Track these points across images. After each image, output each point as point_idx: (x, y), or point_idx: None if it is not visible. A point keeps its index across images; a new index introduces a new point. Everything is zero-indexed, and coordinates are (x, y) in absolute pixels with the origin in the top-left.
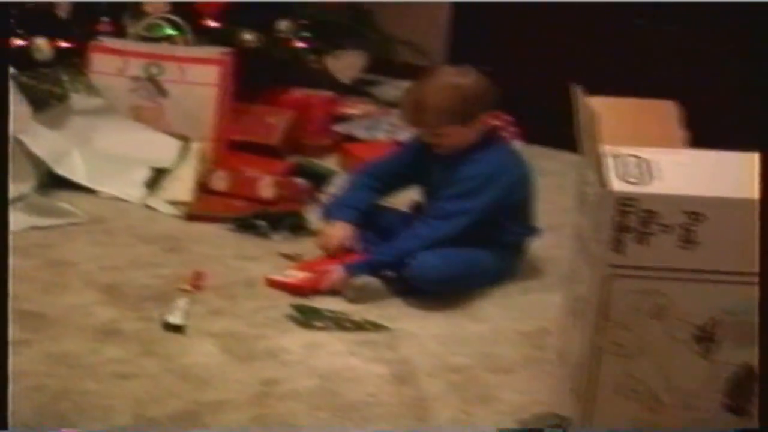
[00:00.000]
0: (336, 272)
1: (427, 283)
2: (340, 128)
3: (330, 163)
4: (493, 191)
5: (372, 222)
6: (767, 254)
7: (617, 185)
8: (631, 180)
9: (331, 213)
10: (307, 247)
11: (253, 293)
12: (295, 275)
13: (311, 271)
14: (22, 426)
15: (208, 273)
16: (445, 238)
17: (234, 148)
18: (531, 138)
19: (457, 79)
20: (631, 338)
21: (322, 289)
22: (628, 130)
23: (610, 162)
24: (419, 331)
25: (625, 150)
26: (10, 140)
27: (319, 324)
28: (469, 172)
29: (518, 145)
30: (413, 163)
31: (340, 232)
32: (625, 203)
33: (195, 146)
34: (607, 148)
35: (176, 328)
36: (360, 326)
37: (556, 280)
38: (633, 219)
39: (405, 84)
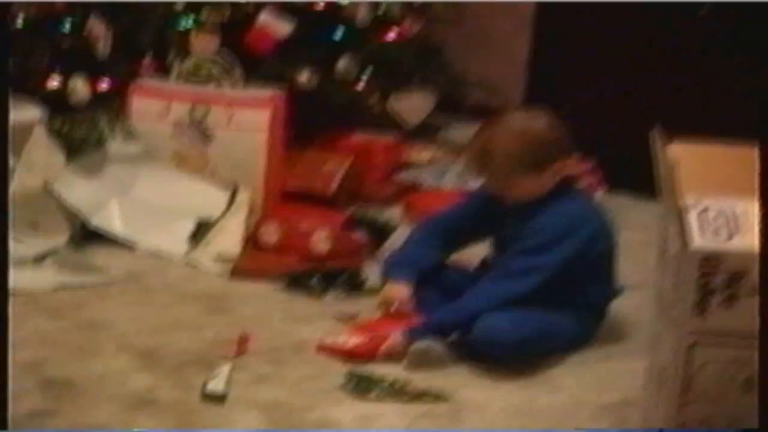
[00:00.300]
0: (395, 337)
1: (495, 348)
2: (403, 176)
3: (392, 214)
4: (570, 245)
5: (435, 281)
6: (767, 257)
7: (699, 241)
8: (716, 235)
9: (390, 271)
10: (363, 308)
11: (302, 359)
12: (349, 339)
13: (368, 335)
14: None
15: (254, 336)
16: (515, 298)
17: (286, 198)
18: (613, 186)
19: (528, 123)
20: (718, 414)
21: (379, 355)
22: (712, 178)
23: (692, 215)
24: (486, 403)
25: (708, 201)
26: (43, 190)
27: (374, 394)
28: (543, 224)
29: (599, 194)
30: (481, 216)
31: (400, 292)
32: (709, 261)
33: (243, 196)
34: (688, 200)
35: (217, 398)
36: (420, 397)
37: (640, 345)
38: (718, 279)
39: (477, 127)
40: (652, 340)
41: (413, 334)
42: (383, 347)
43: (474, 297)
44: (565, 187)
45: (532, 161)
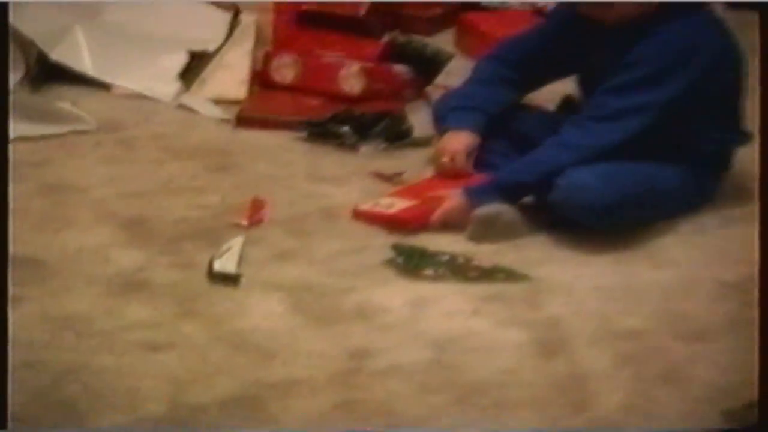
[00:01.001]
0: (454, 199)
1: (583, 213)
2: None
3: (442, 41)
4: (683, 78)
5: (505, 128)
6: (767, 255)
7: None
8: None
9: (446, 116)
10: (410, 164)
11: (334, 229)
12: (394, 203)
13: (417, 198)
14: (19, 423)
15: (271, 201)
16: (609, 148)
17: (304, 22)
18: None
19: None
20: None
21: (433, 222)
22: None
23: None
24: (574, 282)
25: None
26: None
27: (430, 272)
28: (649, 51)
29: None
30: (564, 42)
31: (459, 143)
32: None
33: (248, 20)
34: None
35: (228, 279)
36: (489, 274)
37: None
38: None
39: None
40: None
41: (478, 195)
42: (439, 211)
43: (555, 148)
44: (675, 5)
45: None
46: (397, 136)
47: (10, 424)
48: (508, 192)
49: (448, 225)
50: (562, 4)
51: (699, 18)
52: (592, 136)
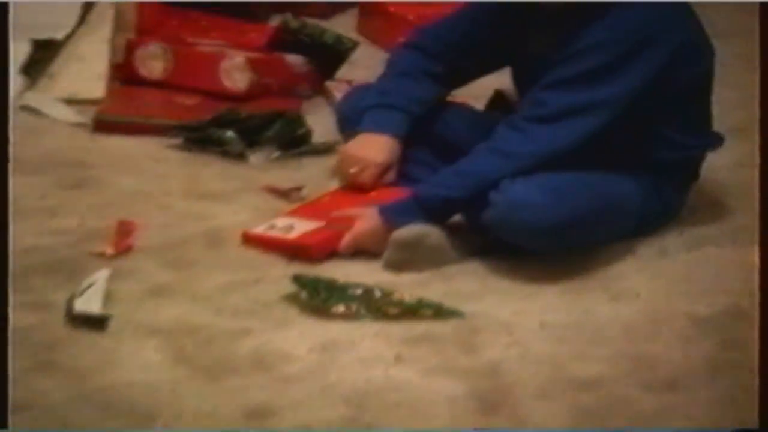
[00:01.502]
0: (367, 219)
1: (527, 236)
2: None
3: (343, 26)
4: (640, 70)
5: (427, 132)
6: (767, 254)
7: None
8: None
9: (358, 117)
10: (310, 176)
11: (221, 258)
12: (293, 226)
13: (322, 219)
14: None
15: (142, 224)
16: (554, 156)
17: (174, 3)
18: None
19: None
20: None
21: (344, 248)
22: None
23: None
24: (516, 319)
25: None
26: None
27: (341, 308)
28: (600, 38)
29: None
30: (496, 28)
31: (374, 150)
32: None
33: (105, 4)
34: None
35: (92, 321)
36: (413, 311)
37: (751, 221)
38: None
39: None
40: None
41: (396, 215)
42: (349, 235)
43: (487, 155)
44: None
45: None
46: (293, 142)
47: (10, 424)
48: (433, 210)
49: (361, 250)
50: None
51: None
52: (533, 142)
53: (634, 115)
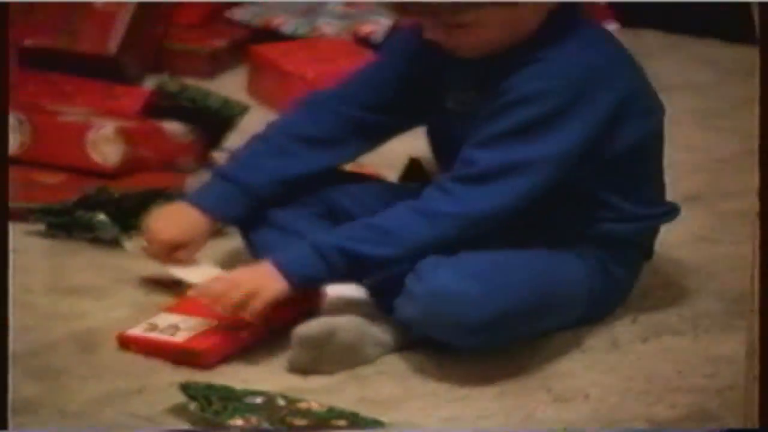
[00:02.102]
0: (270, 284)
1: (455, 332)
2: (240, 14)
3: (230, 87)
4: (580, 123)
5: (318, 199)
6: (767, 252)
7: None
8: None
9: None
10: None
11: (95, 365)
12: (178, 326)
13: (208, 314)
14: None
15: None
16: (481, 220)
17: (31, 63)
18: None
19: None
20: None
21: (234, 349)
22: None
23: None
24: (448, 426)
25: None
26: None
27: (238, 421)
28: (532, 86)
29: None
30: (406, 82)
31: (163, 224)
32: None
33: None
34: None
35: None
36: (323, 422)
37: (714, 304)
38: None
39: None
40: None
41: (298, 268)
42: (259, 307)
43: (405, 213)
44: (565, 21)
45: None
46: None
47: (10, 424)
48: (334, 264)
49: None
50: (397, 30)
51: (596, 36)
52: (458, 203)
53: (574, 179)
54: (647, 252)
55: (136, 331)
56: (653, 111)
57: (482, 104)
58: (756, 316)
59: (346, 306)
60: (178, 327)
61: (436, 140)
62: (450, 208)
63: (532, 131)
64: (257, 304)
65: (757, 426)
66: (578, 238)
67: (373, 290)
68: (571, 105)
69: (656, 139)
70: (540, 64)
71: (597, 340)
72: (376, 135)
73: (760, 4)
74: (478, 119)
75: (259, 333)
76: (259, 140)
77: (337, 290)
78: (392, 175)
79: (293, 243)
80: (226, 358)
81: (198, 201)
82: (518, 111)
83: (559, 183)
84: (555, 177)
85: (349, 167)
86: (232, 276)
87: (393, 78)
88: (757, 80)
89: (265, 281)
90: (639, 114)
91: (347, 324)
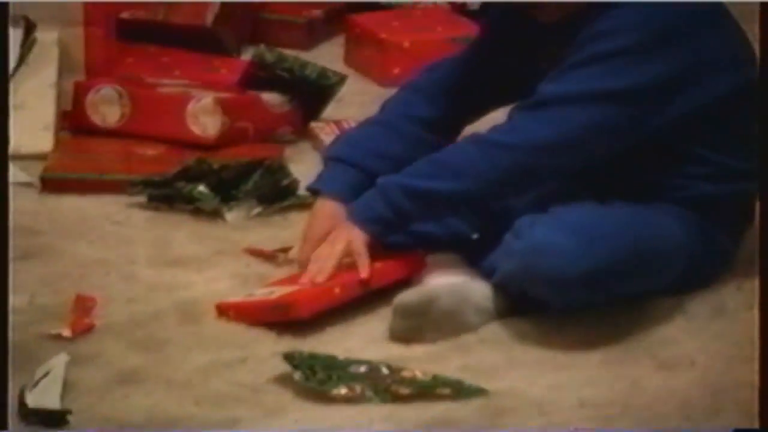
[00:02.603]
0: (353, 236)
1: (555, 288)
2: None
3: (327, 57)
4: (656, 63)
5: None
6: (767, 253)
7: None
8: None
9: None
10: (299, 235)
11: (199, 335)
12: (272, 292)
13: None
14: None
15: (103, 298)
16: (534, 148)
17: (128, 36)
18: None
19: None
20: None
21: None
22: None
23: None
24: (550, 396)
25: None
26: None
27: (343, 390)
28: (615, 21)
29: None
30: (503, 56)
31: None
32: None
33: (48, 38)
34: None
35: (50, 418)
36: (427, 390)
37: None
38: None
39: None
40: None
41: (363, 214)
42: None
43: (464, 145)
44: None
45: None
46: (276, 195)
47: (10, 424)
48: (396, 202)
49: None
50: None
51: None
52: (513, 131)
53: (660, 129)
54: (748, 215)
55: (237, 298)
56: (745, 62)
57: (564, 55)
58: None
59: (445, 273)
60: (273, 292)
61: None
62: (505, 137)
63: (598, 64)
64: (358, 256)
65: (757, 426)
66: (675, 198)
67: (471, 256)
68: (642, 45)
69: (750, 91)
70: (618, 9)
71: (702, 307)
72: (481, 108)
73: (761, 4)
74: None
75: (352, 290)
76: (372, 123)
77: (434, 256)
78: None
79: None
80: (320, 313)
81: (336, 193)
82: (589, 46)
83: (633, 124)
84: (621, 114)
85: None
86: (314, 236)
87: (496, 52)
88: None
89: (349, 232)
90: (727, 64)
91: (446, 291)
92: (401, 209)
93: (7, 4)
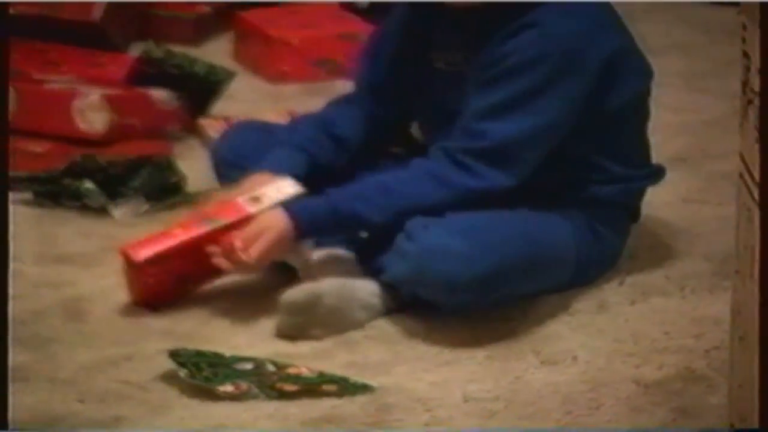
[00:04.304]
0: (276, 222)
1: (447, 291)
2: None
3: (216, 54)
4: (579, 83)
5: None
6: (767, 258)
7: None
8: None
9: (234, 161)
10: None
11: (85, 332)
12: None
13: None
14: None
15: None
16: (500, 193)
17: (15, 31)
18: None
19: None
20: None
21: (249, 262)
22: None
23: None
24: (435, 392)
25: None
26: None
27: (229, 387)
28: (526, 53)
29: None
30: (405, 49)
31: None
32: None
33: None
34: None
35: None
36: (313, 386)
37: (700, 265)
38: None
39: None
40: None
41: (310, 222)
42: (262, 243)
43: (422, 178)
44: None
45: None
46: (163, 191)
47: (10, 424)
48: (343, 224)
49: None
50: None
51: (589, 3)
52: (478, 178)
53: (567, 141)
54: (634, 214)
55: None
56: (642, 71)
57: (472, 65)
58: (740, 278)
59: (333, 270)
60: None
61: (424, 102)
62: (468, 182)
63: (536, 98)
64: (260, 244)
65: (757, 426)
66: (566, 200)
67: (361, 253)
68: (567, 70)
69: (644, 100)
70: (534, 30)
71: (585, 303)
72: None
73: (761, 4)
74: (469, 82)
75: (193, 230)
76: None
77: (324, 252)
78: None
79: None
80: (158, 256)
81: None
82: (519, 80)
83: (547, 150)
84: (559, 140)
85: None
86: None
87: (393, 50)
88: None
89: (274, 221)
90: (628, 73)
91: (333, 288)
92: (341, 225)
93: (7, 4)
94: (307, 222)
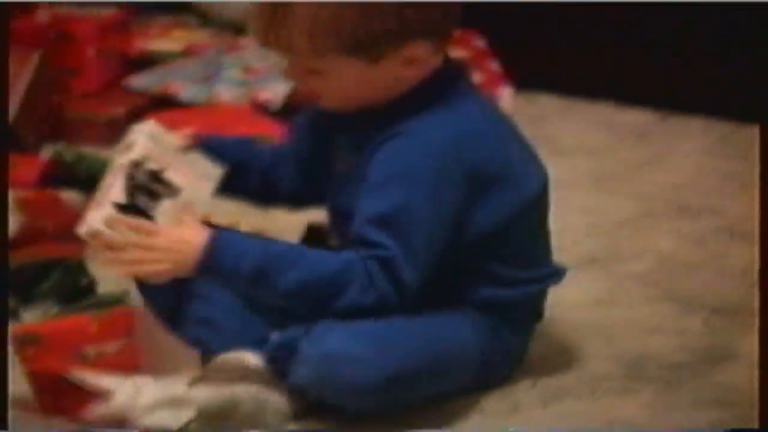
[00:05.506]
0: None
1: (347, 394)
2: (138, 82)
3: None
4: (437, 200)
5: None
6: (767, 254)
7: None
8: None
9: None
10: None
11: None
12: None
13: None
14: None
15: None
16: (400, 303)
17: None
18: (528, 84)
19: None
20: None
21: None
22: None
23: None
24: None
25: None
26: None
27: None
28: (395, 167)
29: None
30: (314, 152)
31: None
32: None
33: None
34: None
35: None
36: None
37: (612, 368)
38: None
39: None
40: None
41: (223, 253)
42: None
43: (340, 264)
44: (439, 87)
45: (360, 37)
46: (75, 294)
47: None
48: (252, 274)
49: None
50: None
51: (473, 104)
52: (399, 296)
53: (448, 251)
54: (537, 314)
55: None
56: (526, 180)
57: (357, 166)
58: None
59: (244, 374)
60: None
61: (328, 202)
62: (364, 295)
63: (410, 211)
64: (160, 267)
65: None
66: (464, 303)
67: (268, 358)
68: (435, 181)
69: (532, 207)
70: (403, 140)
71: (498, 404)
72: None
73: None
74: (354, 183)
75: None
76: None
77: (233, 355)
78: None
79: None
80: None
81: None
82: (390, 193)
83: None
84: (445, 245)
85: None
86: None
87: (302, 154)
88: (651, 145)
89: (185, 244)
90: (506, 185)
91: (248, 394)
92: (245, 278)
93: (7, 3)
94: (221, 253)
